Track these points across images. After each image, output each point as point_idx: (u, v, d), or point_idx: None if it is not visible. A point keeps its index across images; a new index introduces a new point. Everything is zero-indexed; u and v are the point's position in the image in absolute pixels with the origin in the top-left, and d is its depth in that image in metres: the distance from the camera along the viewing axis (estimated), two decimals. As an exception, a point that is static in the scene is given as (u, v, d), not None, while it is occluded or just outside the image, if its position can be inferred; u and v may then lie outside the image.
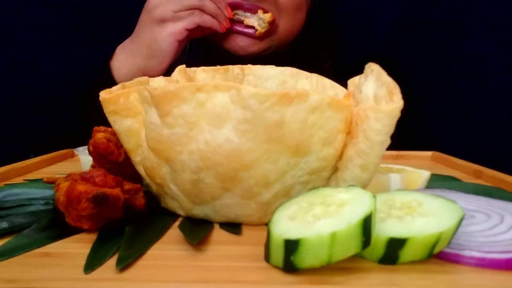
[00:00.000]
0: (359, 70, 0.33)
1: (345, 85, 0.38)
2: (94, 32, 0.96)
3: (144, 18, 0.65)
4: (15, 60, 0.88)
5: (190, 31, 0.64)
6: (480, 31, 0.85)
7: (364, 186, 0.29)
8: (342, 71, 0.56)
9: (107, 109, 0.34)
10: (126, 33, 0.68)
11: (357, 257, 0.25)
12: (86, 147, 0.39)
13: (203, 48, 0.80)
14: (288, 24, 0.71)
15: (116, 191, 0.30)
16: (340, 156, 0.31)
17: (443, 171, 0.52)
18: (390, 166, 0.43)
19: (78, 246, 0.28)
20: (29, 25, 0.93)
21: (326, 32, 0.83)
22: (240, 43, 0.70)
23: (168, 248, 0.28)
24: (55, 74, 0.71)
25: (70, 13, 0.96)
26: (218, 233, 0.31)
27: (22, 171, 0.51)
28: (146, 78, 0.41)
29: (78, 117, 0.67)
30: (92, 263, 0.25)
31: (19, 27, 0.93)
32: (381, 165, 0.39)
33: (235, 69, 0.49)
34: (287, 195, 0.31)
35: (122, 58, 0.66)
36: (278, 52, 0.76)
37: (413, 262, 0.25)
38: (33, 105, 0.71)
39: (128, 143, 0.35)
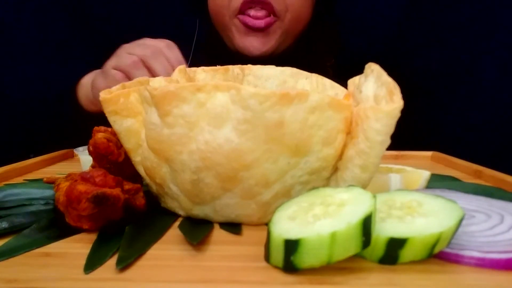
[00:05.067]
0: (359, 71, 0.33)
1: (345, 85, 0.38)
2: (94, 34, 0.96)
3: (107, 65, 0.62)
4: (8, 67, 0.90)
5: None
6: (480, 31, 0.85)
7: (364, 186, 0.29)
8: (342, 72, 0.56)
9: (107, 109, 0.34)
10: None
11: (357, 257, 0.25)
12: (86, 147, 0.39)
13: (207, 52, 0.80)
14: (294, 18, 0.71)
15: (116, 191, 0.30)
16: (340, 156, 0.31)
17: (443, 171, 0.52)
18: (390, 166, 0.43)
19: (78, 246, 0.28)
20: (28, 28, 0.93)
21: (326, 31, 0.83)
22: (253, 42, 0.70)
23: (168, 248, 0.28)
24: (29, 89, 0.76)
25: (70, 16, 0.96)
26: (218, 233, 0.31)
27: (22, 171, 0.51)
28: (146, 78, 0.41)
29: (55, 126, 0.71)
30: (92, 263, 0.25)
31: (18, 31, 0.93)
32: (381, 165, 0.39)
33: (235, 69, 0.49)
34: (287, 195, 0.31)
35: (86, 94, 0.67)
36: (279, 52, 0.76)
37: (413, 262, 0.25)
38: (23, 108, 0.74)
39: (128, 143, 0.35)
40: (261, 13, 0.68)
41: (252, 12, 0.68)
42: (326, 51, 0.82)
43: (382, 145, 0.28)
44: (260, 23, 0.68)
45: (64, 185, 0.32)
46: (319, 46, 0.82)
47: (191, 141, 0.29)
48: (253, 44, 0.70)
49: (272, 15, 0.69)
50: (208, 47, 0.82)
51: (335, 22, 0.85)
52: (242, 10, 0.68)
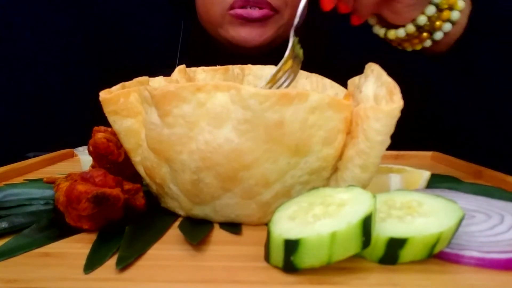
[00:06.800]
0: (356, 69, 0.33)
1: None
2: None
3: None
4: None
5: None
6: (480, 30, 0.85)
7: (364, 186, 0.29)
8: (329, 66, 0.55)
9: (107, 109, 0.34)
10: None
11: (357, 257, 0.25)
12: (86, 147, 0.39)
13: (193, 55, 0.79)
14: (293, 14, 0.70)
15: (116, 191, 0.30)
16: (340, 156, 0.31)
17: (443, 171, 0.52)
18: (390, 166, 0.43)
19: (78, 246, 0.28)
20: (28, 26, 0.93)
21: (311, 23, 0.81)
22: (251, 33, 0.67)
23: (168, 248, 0.28)
24: None
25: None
26: (218, 233, 0.31)
27: (22, 171, 0.51)
28: (146, 78, 0.41)
29: None
30: (92, 263, 0.25)
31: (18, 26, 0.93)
32: (381, 165, 0.39)
33: (235, 69, 0.49)
34: (287, 195, 0.31)
35: None
36: (277, 44, 0.74)
37: (413, 262, 0.25)
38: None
39: (128, 143, 0.35)
40: (256, 11, 0.66)
41: (246, 12, 0.65)
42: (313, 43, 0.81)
43: (382, 145, 0.28)
44: (256, 13, 0.65)
45: (64, 185, 0.32)
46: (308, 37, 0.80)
47: (191, 141, 0.29)
48: (251, 34, 0.67)
49: (269, 10, 0.67)
50: (194, 49, 0.80)
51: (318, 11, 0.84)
52: (235, 7, 0.65)
